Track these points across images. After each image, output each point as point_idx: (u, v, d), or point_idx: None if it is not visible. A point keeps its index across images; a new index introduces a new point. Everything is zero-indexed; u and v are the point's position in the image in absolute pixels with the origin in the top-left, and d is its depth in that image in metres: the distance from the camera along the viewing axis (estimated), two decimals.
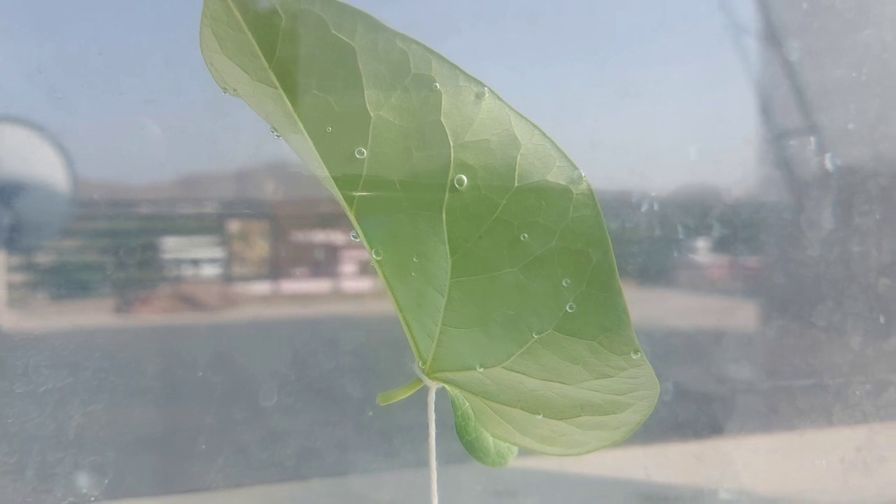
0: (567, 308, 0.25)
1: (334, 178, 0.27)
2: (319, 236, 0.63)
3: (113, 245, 0.52)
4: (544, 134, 0.27)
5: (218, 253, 0.58)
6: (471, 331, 0.28)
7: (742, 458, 0.46)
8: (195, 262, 0.57)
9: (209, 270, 0.58)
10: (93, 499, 0.44)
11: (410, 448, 0.50)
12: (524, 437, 0.31)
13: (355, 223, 0.28)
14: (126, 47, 0.53)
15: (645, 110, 0.52)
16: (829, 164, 0.47)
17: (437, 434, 0.31)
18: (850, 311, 0.48)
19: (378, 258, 0.28)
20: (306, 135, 0.27)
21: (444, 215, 0.27)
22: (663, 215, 0.42)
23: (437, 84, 0.26)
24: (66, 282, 0.54)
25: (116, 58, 0.52)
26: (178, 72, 0.52)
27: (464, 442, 0.32)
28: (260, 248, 0.60)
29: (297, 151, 0.28)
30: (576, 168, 0.26)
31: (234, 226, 0.59)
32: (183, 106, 0.54)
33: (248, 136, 0.53)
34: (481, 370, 0.28)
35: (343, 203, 0.28)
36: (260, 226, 0.60)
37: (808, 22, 0.46)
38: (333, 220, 0.62)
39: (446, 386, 0.30)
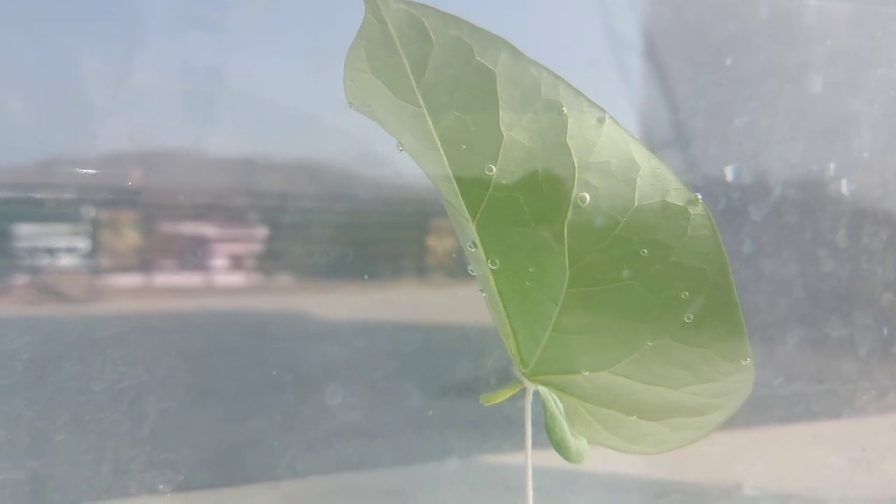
0: (685, 319, 0.27)
1: (462, 192, 0.28)
2: (191, 228, 0.60)
3: None
4: (660, 159, 0.28)
5: (83, 242, 0.53)
6: (581, 337, 0.29)
7: (760, 455, 0.48)
8: (54, 252, 0.51)
9: (74, 260, 0.53)
10: None
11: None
12: (610, 437, 0.33)
13: (475, 234, 0.29)
14: None
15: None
16: (844, 189, 0.50)
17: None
18: (859, 324, 0.51)
19: (493, 267, 0.29)
20: (441, 151, 0.28)
21: (565, 230, 0.28)
22: None
23: (565, 108, 0.27)
24: None
25: None
26: (45, 44, 0.48)
27: (552, 440, 0.33)
28: (129, 238, 0.55)
29: (423, 165, 0.29)
30: (692, 192, 0.27)
31: (100, 214, 0.54)
32: (48, 84, 0.49)
33: (118, 120, 0.50)
34: (587, 374, 0.30)
35: (466, 214, 0.29)
36: (129, 215, 0.55)
37: (831, 59, 0.49)
38: (207, 211, 0.59)
39: (542, 387, 0.32)
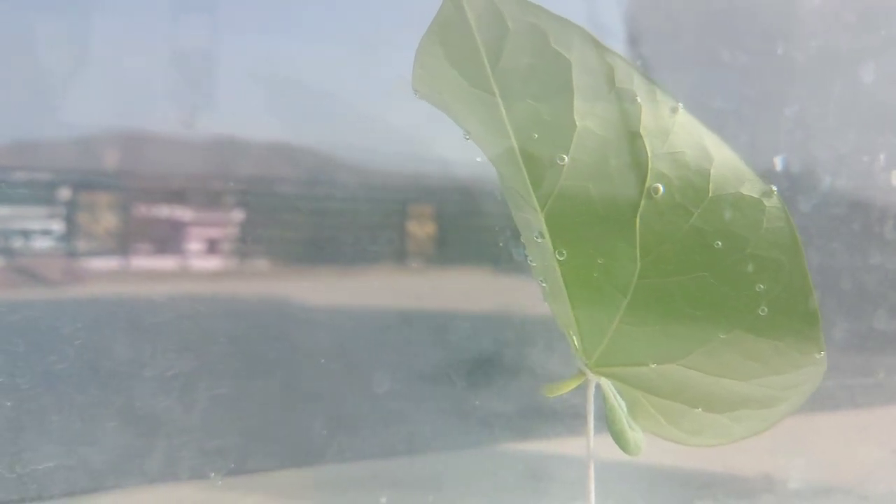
0: (759, 311, 0.27)
1: (532, 182, 0.28)
2: (167, 211, 0.59)
3: None
4: (732, 150, 0.28)
5: (60, 225, 0.53)
6: (650, 329, 0.29)
7: (805, 448, 0.48)
8: (28, 235, 0.50)
9: (50, 243, 0.53)
10: None
11: None
12: (672, 429, 0.32)
13: (544, 224, 0.29)
14: None
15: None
16: (895, 181, 0.49)
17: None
18: None
19: (560, 258, 0.29)
20: (513, 140, 0.27)
21: (637, 221, 0.27)
22: None
23: (638, 98, 0.27)
24: None
25: None
26: (22, 25, 0.46)
27: (611, 431, 0.33)
28: (106, 221, 0.55)
29: (491, 154, 0.29)
30: (767, 184, 0.27)
31: (77, 197, 0.55)
32: (23, 64, 0.48)
33: (95, 102, 0.49)
34: (654, 366, 0.29)
35: (535, 204, 0.28)
36: (106, 198, 0.55)
37: (885, 47, 0.48)
38: (184, 195, 0.58)
39: (604, 379, 0.31)
